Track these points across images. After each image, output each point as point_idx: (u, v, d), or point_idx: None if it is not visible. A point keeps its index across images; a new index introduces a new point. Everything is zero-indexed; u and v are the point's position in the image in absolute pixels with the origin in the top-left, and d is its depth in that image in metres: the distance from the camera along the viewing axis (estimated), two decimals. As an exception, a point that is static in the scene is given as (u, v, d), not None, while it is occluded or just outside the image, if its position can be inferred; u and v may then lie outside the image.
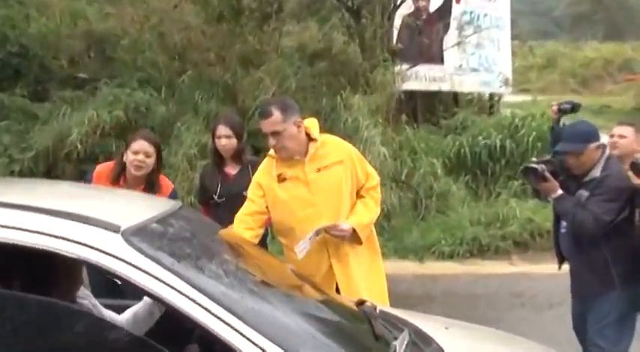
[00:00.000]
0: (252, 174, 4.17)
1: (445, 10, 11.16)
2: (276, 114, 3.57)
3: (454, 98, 11.89)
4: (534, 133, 9.52)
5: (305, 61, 8.79)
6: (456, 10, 11.25)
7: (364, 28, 9.45)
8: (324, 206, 3.65)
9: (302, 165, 3.66)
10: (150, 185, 4.07)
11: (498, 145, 9.45)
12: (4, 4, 9.82)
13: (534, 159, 4.08)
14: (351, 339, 2.51)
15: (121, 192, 3.66)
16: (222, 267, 2.40)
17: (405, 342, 2.58)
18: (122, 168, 4.11)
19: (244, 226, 3.65)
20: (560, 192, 3.84)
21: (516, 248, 8.01)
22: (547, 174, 3.82)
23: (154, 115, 8.58)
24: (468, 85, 11.77)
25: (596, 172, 3.79)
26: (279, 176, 3.68)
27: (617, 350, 3.88)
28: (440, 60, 11.12)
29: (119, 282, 2.12)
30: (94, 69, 9.60)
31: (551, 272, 7.06)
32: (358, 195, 3.78)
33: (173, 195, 4.13)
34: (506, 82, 12.01)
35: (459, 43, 10.95)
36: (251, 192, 3.77)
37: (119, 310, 2.79)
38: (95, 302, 2.62)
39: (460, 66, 11.49)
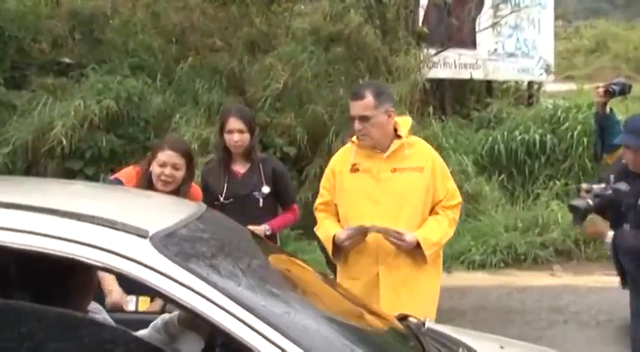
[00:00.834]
0: (264, 174, 4.42)
1: (478, -13, 11.22)
2: (369, 98, 3.84)
3: (487, 87, 11.99)
4: (579, 127, 9.53)
5: (320, 46, 8.86)
6: (490, -14, 11.28)
7: (386, 8, 9.52)
8: (387, 209, 3.86)
9: (379, 160, 3.90)
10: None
11: (538, 141, 9.51)
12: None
13: (584, 185, 4.10)
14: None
15: (138, 192, 3.63)
16: (259, 276, 2.44)
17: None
18: (149, 179, 3.99)
19: (325, 215, 4.01)
20: (610, 234, 3.88)
21: (558, 257, 8.10)
22: (595, 218, 3.85)
23: (149, 106, 8.66)
24: (503, 72, 11.88)
25: None
26: (353, 165, 3.94)
27: None
28: (472, 44, 11.16)
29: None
30: (80, 53, 9.67)
31: (598, 285, 7.18)
32: (433, 212, 3.97)
33: None
34: (547, 69, 12.06)
35: (493, 25, 10.88)
36: (324, 180, 4.09)
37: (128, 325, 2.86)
38: (107, 316, 2.65)
39: (495, 50, 11.57)
